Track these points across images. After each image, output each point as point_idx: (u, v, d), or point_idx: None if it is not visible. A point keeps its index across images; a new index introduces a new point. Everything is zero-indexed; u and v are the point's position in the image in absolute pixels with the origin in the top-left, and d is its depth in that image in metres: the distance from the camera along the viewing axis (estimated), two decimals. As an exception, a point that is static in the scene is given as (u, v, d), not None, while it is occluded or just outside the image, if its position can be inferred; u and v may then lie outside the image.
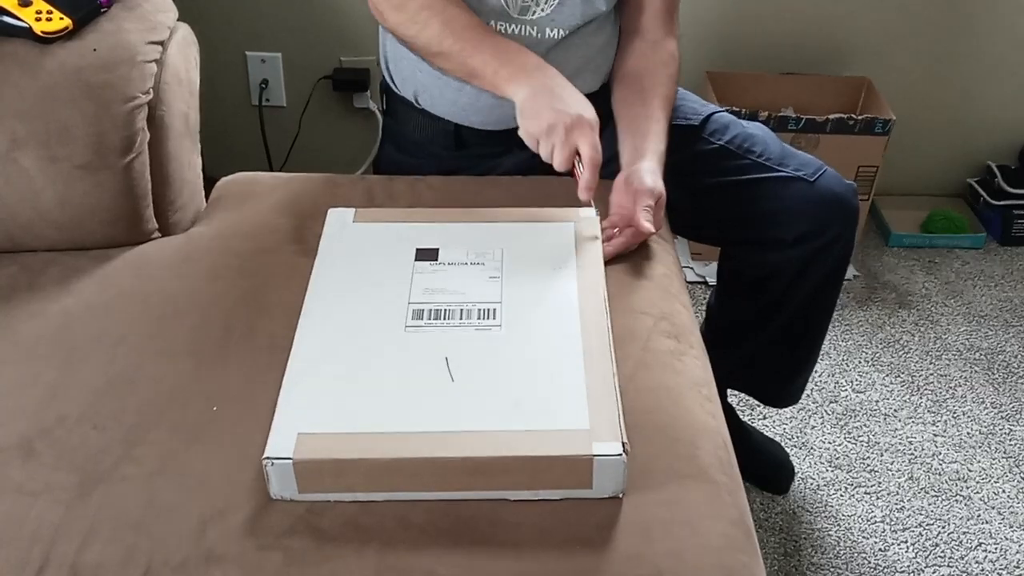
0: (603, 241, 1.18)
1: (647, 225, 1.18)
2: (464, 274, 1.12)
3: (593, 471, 0.91)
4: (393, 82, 1.45)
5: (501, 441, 0.92)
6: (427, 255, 1.14)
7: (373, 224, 1.21)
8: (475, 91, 1.34)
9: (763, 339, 1.54)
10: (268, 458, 0.90)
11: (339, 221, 1.21)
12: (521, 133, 1.21)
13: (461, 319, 1.05)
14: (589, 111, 1.18)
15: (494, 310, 1.07)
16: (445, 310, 1.06)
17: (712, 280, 2.21)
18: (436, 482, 0.92)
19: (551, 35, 1.32)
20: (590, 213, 1.21)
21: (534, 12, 1.30)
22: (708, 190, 1.40)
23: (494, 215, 1.22)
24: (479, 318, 1.06)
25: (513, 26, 1.31)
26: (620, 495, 0.93)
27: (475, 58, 1.24)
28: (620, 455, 0.90)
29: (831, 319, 1.54)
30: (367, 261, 1.14)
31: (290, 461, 0.90)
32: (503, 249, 1.15)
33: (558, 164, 1.18)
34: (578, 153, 1.17)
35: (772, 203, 1.37)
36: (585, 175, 1.16)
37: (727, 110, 1.48)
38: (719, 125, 1.42)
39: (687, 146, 1.39)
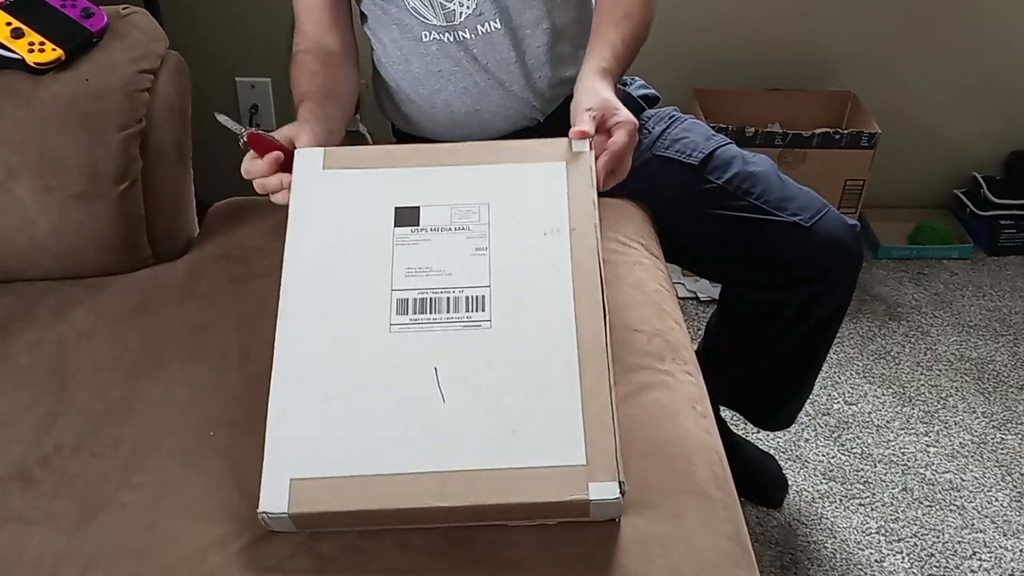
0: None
1: (577, 131, 1.08)
2: (448, 245, 1.02)
3: (591, 509, 0.90)
4: (384, 110, 1.47)
5: (498, 485, 0.89)
6: (407, 218, 1.04)
7: (345, 172, 1.09)
8: (445, 103, 1.36)
9: (759, 367, 1.54)
10: (264, 513, 0.89)
11: (308, 169, 1.09)
12: None
13: (449, 312, 0.98)
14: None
15: (483, 298, 0.99)
16: (432, 299, 0.99)
17: (703, 295, 2.22)
18: (433, 522, 0.92)
19: (483, 30, 1.31)
20: (583, 146, 1.08)
21: (460, 14, 1.30)
22: (707, 228, 1.39)
23: (476, 154, 1.11)
24: (467, 309, 0.98)
25: (447, 35, 1.31)
26: (617, 520, 0.93)
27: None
28: (617, 498, 0.88)
29: (830, 349, 1.54)
30: (342, 231, 1.04)
31: (286, 515, 0.88)
32: (488, 205, 1.05)
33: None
34: None
35: (768, 247, 1.36)
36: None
37: (714, 126, 1.48)
38: (720, 162, 1.38)
39: (686, 184, 1.38)
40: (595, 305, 0.98)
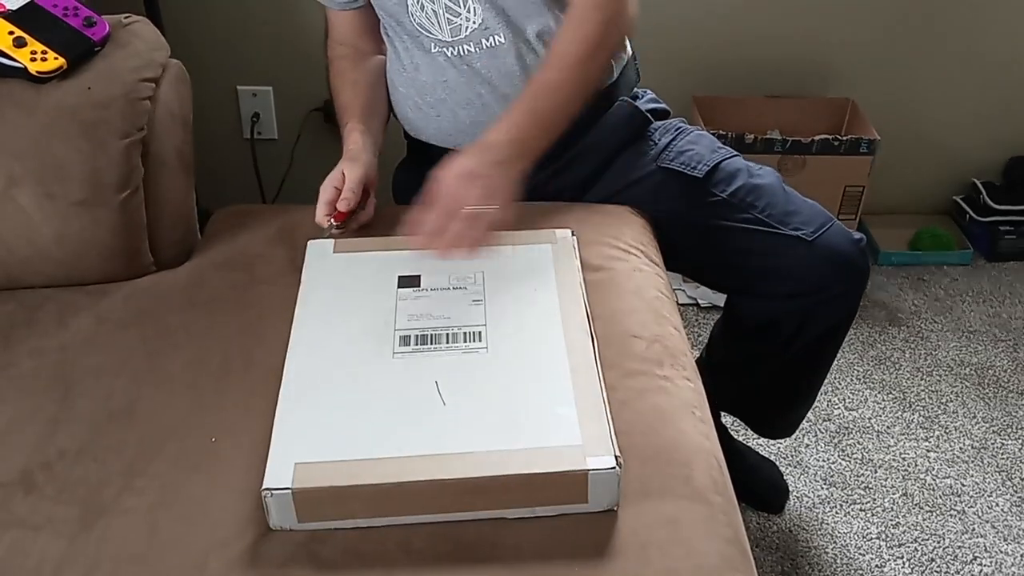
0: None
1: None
2: (447, 299, 1.13)
3: (588, 485, 0.92)
4: (396, 115, 1.49)
5: (497, 460, 0.93)
6: (409, 282, 1.16)
7: (353, 254, 1.22)
8: (451, 112, 1.38)
9: (761, 376, 1.55)
10: (267, 489, 0.91)
11: (319, 253, 1.22)
12: None
13: (448, 343, 1.07)
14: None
15: (479, 333, 1.08)
16: (431, 335, 1.08)
17: (703, 302, 2.23)
18: (435, 504, 0.93)
19: (488, 44, 1.32)
20: (566, 233, 1.24)
21: (465, 28, 1.32)
22: (710, 240, 1.39)
23: None
24: (465, 341, 1.07)
25: (451, 49, 1.34)
26: (615, 508, 0.95)
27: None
28: (614, 468, 0.92)
29: (834, 361, 1.54)
30: (350, 290, 1.16)
31: (289, 491, 0.90)
32: (483, 272, 1.17)
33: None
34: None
35: (769, 260, 1.36)
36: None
37: (714, 133, 1.48)
38: (725, 175, 1.39)
39: (690, 196, 1.39)
40: (583, 333, 1.08)
